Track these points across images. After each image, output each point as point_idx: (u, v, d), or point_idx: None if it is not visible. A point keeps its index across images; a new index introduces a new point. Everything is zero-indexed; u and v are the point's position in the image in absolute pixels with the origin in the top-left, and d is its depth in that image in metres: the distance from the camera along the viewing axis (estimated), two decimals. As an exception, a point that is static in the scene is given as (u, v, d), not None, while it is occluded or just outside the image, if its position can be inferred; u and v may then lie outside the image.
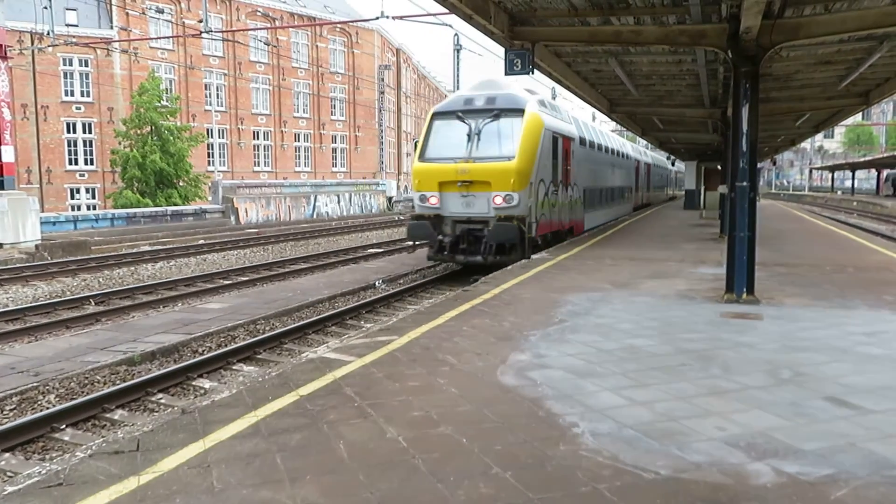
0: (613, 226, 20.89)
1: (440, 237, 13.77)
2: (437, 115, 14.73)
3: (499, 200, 13.29)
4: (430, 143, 14.30)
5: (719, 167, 27.48)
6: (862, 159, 62.48)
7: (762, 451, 3.83)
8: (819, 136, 67.79)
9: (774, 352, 5.99)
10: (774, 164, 61.21)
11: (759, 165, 21.51)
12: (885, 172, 64.48)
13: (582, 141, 18.10)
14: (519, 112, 13.72)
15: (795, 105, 17.56)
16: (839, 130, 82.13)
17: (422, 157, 14.25)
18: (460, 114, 14.12)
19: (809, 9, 8.62)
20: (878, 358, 5.78)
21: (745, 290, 8.45)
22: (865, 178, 75.02)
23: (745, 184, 8.42)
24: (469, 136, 13.77)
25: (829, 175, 79.28)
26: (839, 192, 70.65)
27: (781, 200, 56.93)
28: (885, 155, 53.54)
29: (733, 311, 7.86)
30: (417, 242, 14.95)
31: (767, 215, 26.40)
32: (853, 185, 68.30)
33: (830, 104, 17.37)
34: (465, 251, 13.59)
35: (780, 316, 7.56)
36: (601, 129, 24.88)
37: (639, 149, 33.35)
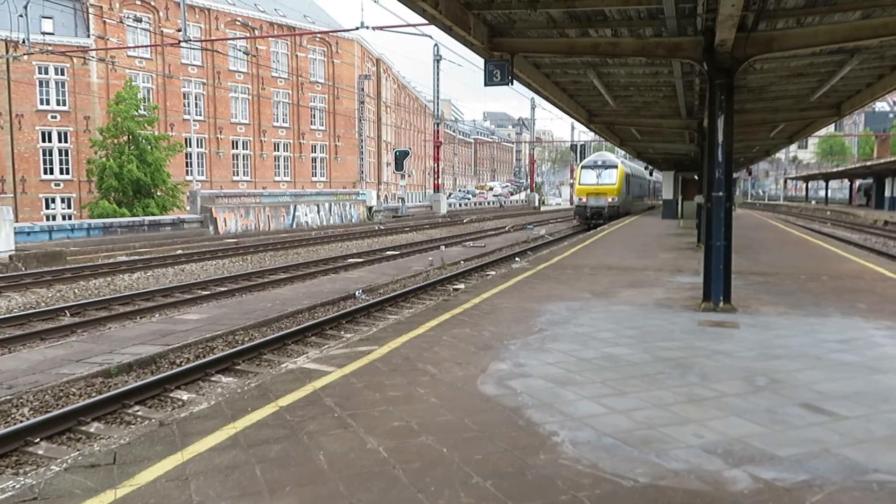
0: (593, 235, 21.17)
1: (587, 215, 33.29)
2: (584, 167, 35.60)
3: (610, 200, 33.04)
4: (581, 177, 34.77)
5: (696, 177, 27.80)
6: (835, 169, 63.61)
7: (739, 457, 3.88)
8: (793, 147, 68.94)
9: (751, 359, 6.08)
10: (750, 174, 62.09)
11: (734, 175, 21.85)
12: (857, 182, 65.69)
13: (632, 173, 38.66)
14: (616, 166, 34.14)
15: (769, 116, 17.81)
16: (813, 141, 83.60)
17: (579, 184, 34.78)
18: (591, 166, 34.69)
19: (782, 22, 8.76)
20: (851, 365, 5.88)
21: (721, 298, 8.54)
22: (839, 188, 76.21)
23: (721, 194, 8.53)
24: (597, 176, 33.79)
25: (804, 185, 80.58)
26: (813, 202, 71.77)
27: (757, 210, 57.68)
28: (858, 165, 54.54)
29: (710, 319, 7.95)
30: (577, 217, 35.51)
31: (743, 225, 26.75)
32: (827, 194, 69.35)
33: (804, 115, 17.64)
34: (595, 219, 32.37)
35: (756, 324, 7.67)
36: (638, 164, 42.53)
37: (647, 171, 46.93)
